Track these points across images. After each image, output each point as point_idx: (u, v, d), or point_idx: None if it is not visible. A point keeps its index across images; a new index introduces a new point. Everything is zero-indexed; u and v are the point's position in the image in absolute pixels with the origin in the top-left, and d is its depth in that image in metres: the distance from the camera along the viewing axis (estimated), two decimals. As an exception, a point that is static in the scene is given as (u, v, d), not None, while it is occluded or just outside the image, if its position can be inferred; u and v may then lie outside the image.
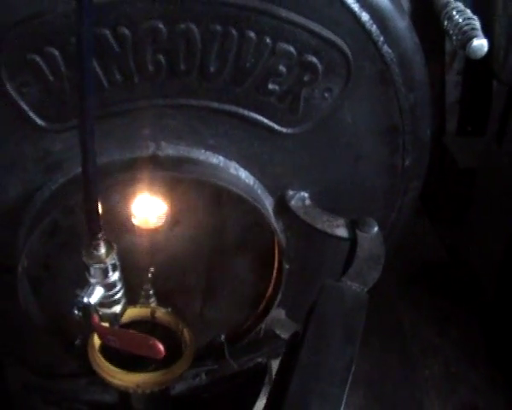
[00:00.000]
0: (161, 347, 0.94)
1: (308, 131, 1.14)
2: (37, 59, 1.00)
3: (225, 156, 1.15)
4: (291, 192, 1.21)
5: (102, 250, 0.91)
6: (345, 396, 0.92)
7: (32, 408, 1.49)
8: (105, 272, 0.92)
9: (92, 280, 0.93)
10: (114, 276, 0.93)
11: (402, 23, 1.10)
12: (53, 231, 1.17)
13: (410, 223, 1.32)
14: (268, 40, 1.04)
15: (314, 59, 1.06)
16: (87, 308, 0.91)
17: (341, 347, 0.95)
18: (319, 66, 1.07)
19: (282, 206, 1.21)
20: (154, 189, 1.14)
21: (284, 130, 1.13)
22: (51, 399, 1.44)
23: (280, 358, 1.09)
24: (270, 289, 1.31)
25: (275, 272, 1.29)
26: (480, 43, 0.85)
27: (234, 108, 1.09)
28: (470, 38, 0.85)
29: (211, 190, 1.17)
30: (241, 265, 1.29)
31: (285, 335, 1.37)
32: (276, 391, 1.01)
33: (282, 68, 1.06)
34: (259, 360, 1.47)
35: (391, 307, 1.39)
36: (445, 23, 0.90)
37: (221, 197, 1.18)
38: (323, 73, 1.08)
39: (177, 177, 1.13)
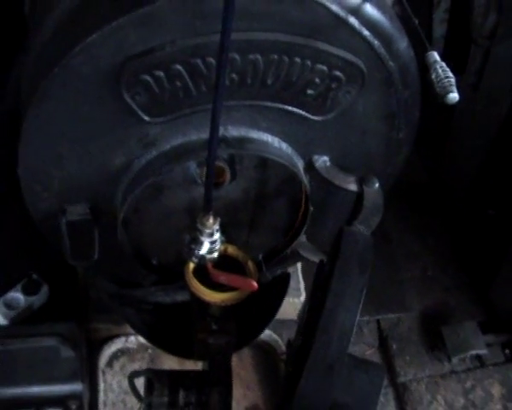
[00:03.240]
0: (255, 284, 1.62)
1: (332, 118, 1.77)
2: (148, 78, 1.61)
3: (272, 134, 1.78)
4: (316, 157, 1.85)
5: (211, 220, 1.58)
6: (360, 308, 1.61)
7: (111, 309, 2.18)
8: (211, 234, 1.59)
9: (202, 239, 1.59)
10: (216, 235, 1.60)
11: (403, 44, 1.71)
12: (144, 189, 1.80)
13: (401, 173, 1.98)
14: (308, 63, 1.64)
15: (340, 73, 1.67)
16: (201, 258, 1.58)
17: (357, 277, 1.63)
18: (343, 78, 1.68)
19: (310, 166, 1.85)
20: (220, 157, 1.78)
21: (315, 118, 1.75)
22: (126, 302, 2.12)
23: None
24: (298, 223, 1.98)
25: (302, 211, 1.96)
26: (454, 96, 1.48)
27: (281, 105, 1.71)
28: (448, 92, 1.48)
29: (261, 157, 1.82)
30: (278, 206, 1.94)
31: (305, 253, 2.06)
32: (312, 303, 1.69)
33: (317, 80, 1.68)
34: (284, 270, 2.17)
35: (381, 221, 1.96)
36: (432, 76, 1.52)
37: (268, 162, 1.83)
38: (345, 82, 1.69)
39: (239, 152, 1.78)
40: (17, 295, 2.30)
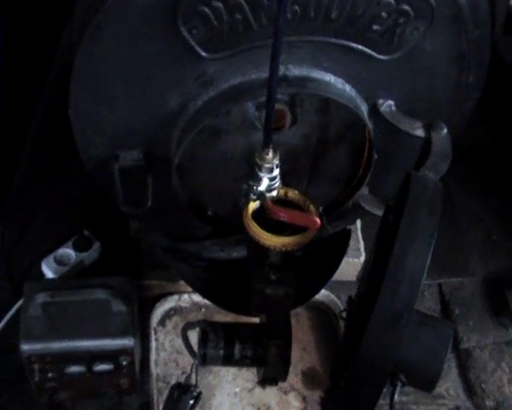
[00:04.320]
0: (318, 219, 1.52)
1: (398, 58, 1.65)
2: (206, 10, 1.51)
3: (335, 75, 1.67)
4: (381, 100, 1.74)
5: (271, 154, 1.47)
6: (430, 252, 1.49)
7: (164, 264, 2.09)
8: (271, 170, 1.49)
9: (262, 175, 1.49)
10: (276, 172, 1.49)
11: (473, -22, 1.60)
12: (200, 132, 1.71)
13: (464, 135, 1.86)
14: (375, -6, 1.55)
15: (407, 7, 1.56)
16: (260, 195, 1.48)
17: (428, 220, 1.50)
18: (411, 12, 1.57)
19: (374, 111, 1.74)
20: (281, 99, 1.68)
21: (381, 57, 1.64)
22: (180, 256, 2.03)
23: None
24: (361, 172, 1.87)
25: (365, 159, 1.84)
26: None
27: (346, 42, 1.61)
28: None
29: (323, 99, 1.71)
30: (339, 153, 1.83)
31: (367, 206, 1.95)
32: (377, 253, 1.58)
33: (384, 14, 1.57)
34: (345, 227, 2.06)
35: (444, 184, 1.86)
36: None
37: (330, 104, 1.72)
38: (413, 17, 1.58)
39: (300, 92, 1.67)
40: (68, 252, 2.24)
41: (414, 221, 1.48)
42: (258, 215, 1.59)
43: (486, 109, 2.46)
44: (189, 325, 1.70)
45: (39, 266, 2.21)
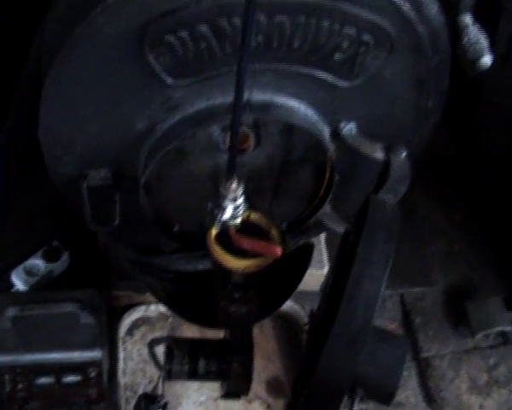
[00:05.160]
0: (278, 249, 1.59)
1: (359, 84, 1.72)
2: (172, 39, 1.57)
3: (298, 100, 1.73)
4: (343, 124, 1.81)
5: (235, 185, 1.54)
6: (385, 278, 1.57)
7: (131, 276, 2.16)
8: (235, 199, 1.56)
9: (226, 204, 1.56)
10: (240, 200, 1.56)
11: (434, 8, 1.66)
12: (167, 153, 1.77)
13: (428, 146, 1.94)
14: (336, 26, 1.60)
15: (368, 37, 1.63)
16: (224, 224, 1.55)
17: (384, 246, 1.58)
18: (371, 42, 1.63)
19: (336, 133, 1.81)
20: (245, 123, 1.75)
21: (343, 83, 1.71)
22: (147, 269, 2.10)
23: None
24: (323, 191, 1.95)
25: (327, 179, 1.92)
26: (486, 60, 1.43)
27: (308, 70, 1.67)
28: (480, 56, 1.43)
29: (286, 123, 1.78)
30: (302, 173, 1.90)
31: (329, 223, 2.03)
32: (337, 272, 1.66)
33: (345, 44, 1.63)
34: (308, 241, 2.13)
35: (406, 194, 1.92)
36: (464, 40, 1.48)
37: (293, 128, 1.79)
38: (374, 46, 1.64)
39: (264, 117, 1.74)
40: (37, 262, 2.29)
41: (371, 246, 1.56)
42: (222, 237, 1.66)
43: (450, 120, 2.53)
44: (155, 341, 1.77)
45: (9, 277, 2.25)
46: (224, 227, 1.58)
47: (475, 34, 1.47)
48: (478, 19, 2.61)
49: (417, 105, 1.80)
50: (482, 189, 2.69)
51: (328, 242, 2.34)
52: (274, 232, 1.68)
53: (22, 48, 2.79)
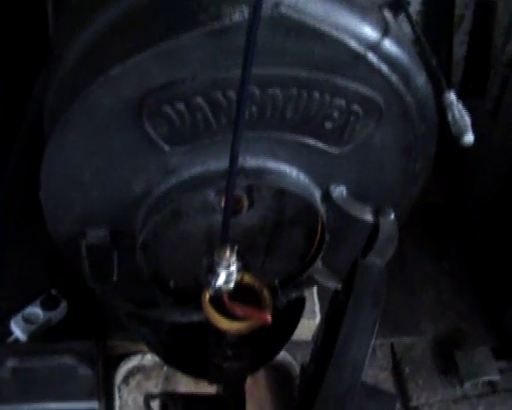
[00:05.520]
0: (269, 317, 1.66)
1: (349, 150, 1.80)
2: (169, 110, 1.65)
3: (290, 165, 1.81)
4: (333, 186, 1.88)
5: (228, 253, 1.61)
6: (372, 342, 1.64)
7: (127, 327, 2.22)
8: (228, 266, 1.63)
9: (219, 270, 1.63)
10: (233, 266, 1.63)
11: (421, 78, 1.74)
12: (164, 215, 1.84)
13: (416, 204, 2.01)
14: (327, 97, 1.68)
15: (357, 108, 1.71)
16: (218, 289, 1.62)
17: (370, 312, 1.66)
18: (361, 112, 1.72)
19: (326, 196, 1.88)
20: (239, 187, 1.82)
21: (333, 150, 1.79)
22: (143, 321, 2.16)
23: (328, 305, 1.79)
24: (314, 249, 2.02)
25: (318, 238, 1.99)
26: (469, 139, 1.51)
27: (300, 138, 1.75)
28: (463, 134, 1.51)
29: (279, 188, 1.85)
30: (294, 233, 1.97)
31: (320, 278, 2.10)
32: (326, 331, 1.73)
33: (335, 114, 1.71)
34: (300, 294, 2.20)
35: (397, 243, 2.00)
36: (449, 117, 1.55)
37: (285, 191, 1.86)
38: (363, 116, 1.72)
39: (257, 183, 1.82)
40: (36, 310, 2.35)
41: (359, 311, 1.63)
42: (216, 298, 1.73)
43: (440, 170, 2.59)
44: (151, 396, 1.84)
45: (8, 325, 2.31)
46: (218, 292, 1.65)
47: (459, 112, 1.54)
48: (469, 70, 2.71)
49: (405, 169, 1.88)
50: (471, 238, 2.76)
51: (321, 293, 2.40)
52: (266, 294, 1.75)
53: (21, 98, 2.87)
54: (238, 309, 1.65)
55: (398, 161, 1.84)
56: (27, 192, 2.08)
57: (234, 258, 1.60)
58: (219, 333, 1.76)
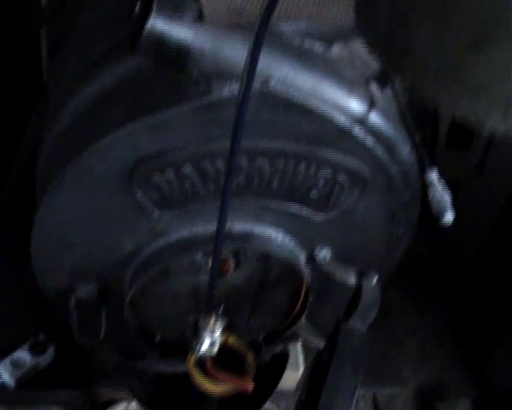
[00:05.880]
0: (251, 386, 1.71)
1: (334, 217, 1.86)
2: (159, 178, 1.70)
3: (276, 229, 1.87)
4: (318, 249, 1.94)
5: (213, 320, 1.67)
6: (353, 404, 1.69)
7: (115, 379, 2.27)
8: (212, 332, 1.68)
9: (204, 335, 1.68)
10: (217, 332, 1.69)
11: (406, 149, 1.79)
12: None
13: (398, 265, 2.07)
14: (313, 168, 1.74)
15: (343, 178, 1.77)
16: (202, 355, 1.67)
17: (351, 376, 1.71)
18: (346, 182, 1.77)
19: (311, 258, 1.94)
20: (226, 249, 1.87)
21: (318, 216, 1.84)
22: (129, 371, 2.21)
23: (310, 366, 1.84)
24: (298, 308, 2.07)
25: (302, 297, 2.04)
26: (448, 219, 1.57)
27: (286, 205, 1.80)
28: (442, 214, 1.57)
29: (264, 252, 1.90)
30: (279, 292, 2.03)
31: (304, 335, 2.15)
32: (308, 390, 1.78)
33: (321, 184, 1.76)
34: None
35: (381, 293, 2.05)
36: (429, 195, 1.61)
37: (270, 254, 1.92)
38: (348, 186, 1.78)
39: (243, 247, 1.87)
40: (24, 355, 2.39)
41: (340, 377, 1.69)
42: (201, 361, 1.78)
43: (426, 221, 2.64)
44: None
45: (-5, 369, 2.35)
46: (202, 357, 1.70)
47: (440, 191, 1.60)
48: (455, 124, 2.76)
49: (389, 234, 1.93)
50: (455, 290, 2.81)
51: (304, 344, 2.45)
52: (250, 359, 1.80)
53: (14, 139, 2.92)
54: (221, 376, 1.69)
55: (382, 226, 1.89)
56: (15, 237, 2.12)
57: (219, 324, 1.65)
58: (203, 393, 1.81)
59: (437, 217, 1.54)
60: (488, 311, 2.60)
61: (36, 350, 2.40)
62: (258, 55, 1.26)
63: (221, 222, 1.48)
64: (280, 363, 2.25)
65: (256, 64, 1.28)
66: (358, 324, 1.85)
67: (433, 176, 1.59)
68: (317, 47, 1.70)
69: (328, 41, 1.71)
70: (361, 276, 1.91)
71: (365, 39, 1.08)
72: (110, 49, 1.77)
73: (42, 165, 1.84)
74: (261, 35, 1.24)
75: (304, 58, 1.66)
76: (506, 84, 0.95)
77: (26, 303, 2.50)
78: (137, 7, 1.59)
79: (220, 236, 1.51)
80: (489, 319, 2.59)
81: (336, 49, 1.72)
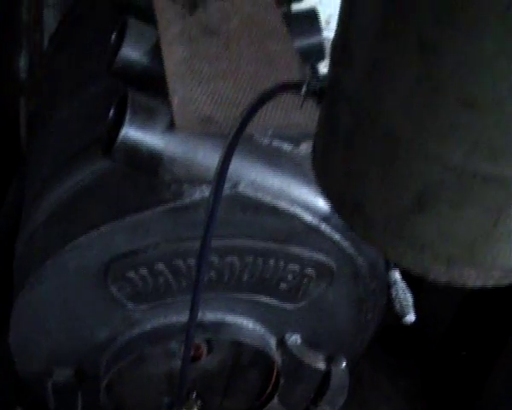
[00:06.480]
0: None
1: (303, 305, 1.93)
2: (132, 275, 1.77)
3: (248, 318, 1.94)
4: (288, 335, 2.02)
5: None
6: None
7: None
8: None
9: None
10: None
11: (371, 243, 1.89)
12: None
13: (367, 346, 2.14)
14: (282, 263, 1.81)
15: (311, 271, 1.84)
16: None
17: None
18: (314, 274, 1.85)
19: (281, 344, 2.02)
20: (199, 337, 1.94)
21: (287, 306, 1.92)
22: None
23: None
24: (270, 389, 2.14)
25: (273, 379, 2.12)
26: (410, 318, 1.65)
27: (257, 297, 1.88)
28: (405, 313, 1.65)
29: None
30: (251, 374, 2.11)
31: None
32: None
33: (290, 277, 1.84)
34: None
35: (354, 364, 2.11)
36: (393, 294, 1.70)
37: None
38: (316, 278, 1.85)
39: (215, 336, 1.94)
40: (2, 428, 2.43)
41: None
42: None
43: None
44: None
45: (-25, 442, 2.40)
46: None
47: (402, 291, 1.68)
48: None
49: (357, 320, 2.00)
50: (427, 357, 2.88)
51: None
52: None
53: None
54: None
55: (350, 313, 1.97)
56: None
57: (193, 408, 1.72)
58: None
59: (399, 315, 1.62)
60: (460, 377, 2.67)
61: (14, 424, 2.44)
62: (228, 163, 1.32)
63: (192, 316, 1.55)
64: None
65: (226, 170, 1.34)
66: (326, 408, 1.92)
67: (397, 275, 1.67)
68: (286, 146, 1.76)
69: (296, 141, 1.78)
70: (330, 361, 1.99)
71: (320, 186, 1.15)
72: (86, 145, 1.84)
73: (19, 255, 1.91)
74: (233, 147, 1.30)
75: (272, 159, 1.74)
76: (448, 241, 1.03)
77: (4, 377, 2.54)
78: (111, 112, 1.66)
79: (191, 328, 1.58)
80: (461, 385, 2.66)
81: (304, 148, 1.79)
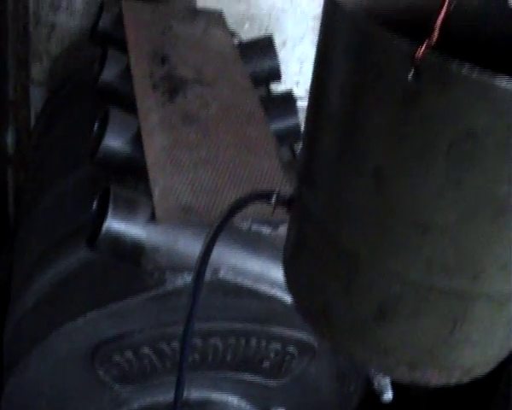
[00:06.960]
0: None
1: (286, 382, 2.00)
2: (119, 358, 1.84)
3: (233, 395, 2.00)
4: (273, 409, 2.09)
5: None
6: None
7: None
8: None
9: None
10: None
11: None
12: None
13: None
14: (264, 343, 1.88)
15: (292, 349, 1.91)
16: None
17: None
18: (296, 352, 1.91)
19: (267, 417, 2.08)
20: None
21: (271, 383, 1.98)
22: None
23: None
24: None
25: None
26: (388, 397, 1.72)
27: (240, 375, 1.95)
28: (383, 392, 1.72)
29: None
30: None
31: None
32: None
33: (272, 355, 1.91)
34: None
35: None
36: (370, 372, 1.77)
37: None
38: (298, 355, 1.91)
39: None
40: None
41: None
42: None
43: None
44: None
45: None
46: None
47: (380, 371, 1.75)
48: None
49: (340, 392, 2.06)
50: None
51: None
52: None
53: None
54: None
55: (334, 386, 2.03)
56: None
57: None
58: None
59: (377, 393, 1.68)
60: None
61: None
62: (210, 252, 1.40)
63: (177, 397, 1.61)
64: None
65: (208, 258, 1.41)
66: None
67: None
68: (265, 230, 1.83)
69: (275, 224, 1.85)
70: (314, 440, 2.04)
71: (288, 288, 1.23)
72: (71, 233, 1.91)
73: (9, 340, 1.97)
74: (215, 237, 1.38)
75: (252, 243, 1.81)
76: (408, 346, 1.10)
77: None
78: (94, 204, 1.73)
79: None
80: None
81: (282, 231, 1.86)
